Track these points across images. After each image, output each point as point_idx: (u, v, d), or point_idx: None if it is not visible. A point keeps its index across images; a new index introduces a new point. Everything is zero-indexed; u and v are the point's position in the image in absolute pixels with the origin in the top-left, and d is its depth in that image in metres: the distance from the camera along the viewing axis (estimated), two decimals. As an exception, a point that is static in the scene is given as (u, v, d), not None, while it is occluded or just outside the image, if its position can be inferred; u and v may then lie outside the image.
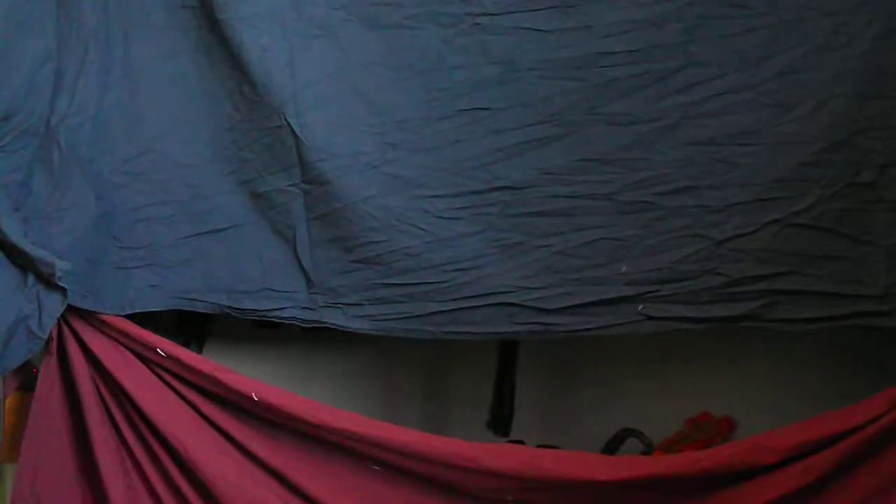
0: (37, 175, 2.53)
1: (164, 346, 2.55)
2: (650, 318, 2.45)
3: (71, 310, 2.52)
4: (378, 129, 2.57)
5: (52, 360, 2.54)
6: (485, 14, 2.52)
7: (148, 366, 2.56)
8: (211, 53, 2.60)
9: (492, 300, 2.52)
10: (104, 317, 2.56)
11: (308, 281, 2.59)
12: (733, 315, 2.43)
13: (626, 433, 3.09)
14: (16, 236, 2.44)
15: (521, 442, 3.11)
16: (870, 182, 2.38)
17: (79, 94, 2.57)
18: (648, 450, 3.05)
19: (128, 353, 2.56)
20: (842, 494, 2.36)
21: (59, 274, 2.45)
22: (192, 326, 2.98)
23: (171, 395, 2.55)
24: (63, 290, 2.48)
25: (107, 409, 2.55)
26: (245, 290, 2.61)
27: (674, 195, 2.46)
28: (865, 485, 2.34)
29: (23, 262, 2.46)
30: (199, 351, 2.97)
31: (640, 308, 2.45)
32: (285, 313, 2.62)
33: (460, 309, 2.53)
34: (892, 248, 2.37)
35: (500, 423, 3.27)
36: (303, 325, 2.64)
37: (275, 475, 2.52)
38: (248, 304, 2.61)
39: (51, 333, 2.50)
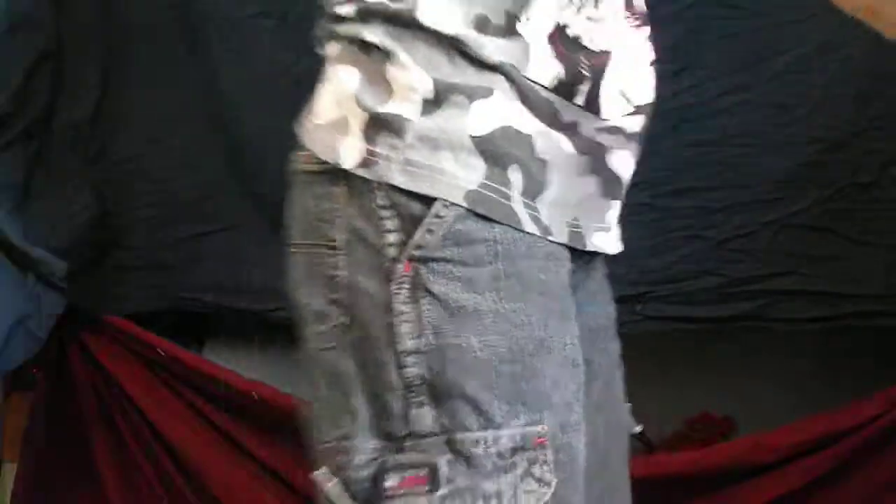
0: (37, 175, 2.53)
1: (164, 346, 2.55)
2: (648, 317, 2.46)
3: (71, 310, 2.52)
4: None
5: (52, 360, 2.54)
6: None
7: (148, 366, 2.56)
8: (213, 51, 2.61)
9: (491, 299, 2.52)
10: (104, 317, 2.56)
11: (308, 281, 2.59)
12: (732, 315, 2.44)
13: (627, 433, 3.08)
14: (16, 236, 2.44)
15: (521, 442, 3.11)
16: (869, 182, 2.38)
17: (79, 94, 2.58)
18: (648, 450, 3.05)
19: (127, 353, 2.56)
20: (842, 494, 2.36)
21: (59, 274, 2.45)
22: (192, 326, 2.98)
23: (171, 396, 2.56)
24: (63, 290, 2.48)
25: (107, 410, 2.55)
26: (246, 290, 2.61)
27: (672, 197, 2.46)
28: (865, 485, 2.34)
29: (23, 262, 2.46)
30: (199, 351, 2.97)
31: (637, 308, 2.45)
32: (285, 313, 2.61)
33: (460, 307, 2.54)
34: (891, 248, 2.37)
35: (501, 423, 3.27)
36: (303, 325, 2.64)
37: (275, 475, 2.52)
38: (248, 305, 2.61)
39: (51, 333, 2.50)
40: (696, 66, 2.45)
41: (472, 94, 1.04)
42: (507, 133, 1.04)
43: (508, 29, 1.05)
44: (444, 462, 1.01)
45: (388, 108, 1.05)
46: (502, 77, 1.04)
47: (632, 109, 1.14)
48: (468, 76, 1.04)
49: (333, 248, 1.07)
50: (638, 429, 1.34)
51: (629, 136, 1.17)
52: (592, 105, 1.10)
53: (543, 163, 1.07)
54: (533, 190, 1.06)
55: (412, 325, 1.03)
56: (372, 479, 1.04)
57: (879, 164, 2.37)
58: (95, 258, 2.57)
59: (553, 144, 1.07)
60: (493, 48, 1.04)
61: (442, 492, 1.01)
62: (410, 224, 1.03)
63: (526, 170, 1.05)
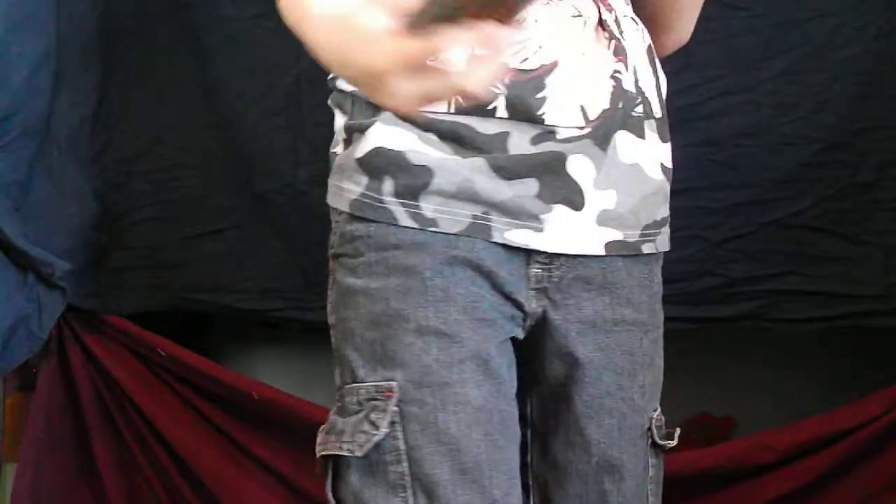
0: (37, 175, 2.52)
1: (165, 346, 2.55)
2: (650, 317, 2.46)
3: (71, 310, 2.52)
4: None
5: (52, 360, 2.54)
6: None
7: (148, 366, 2.56)
8: (212, 52, 2.61)
9: (491, 300, 2.53)
10: (104, 317, 2.56)
11: (307, 281, 2.59)
12: (733, 315, 2.44)
13: (627, 433, 3.07)
14: (16, 236, 2.43)
15: (521, 442, 3.10)
16: (869, 182, 2.37)
17: (79, 93, 2.58)
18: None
19: (128, 353, 2.56)
20: (842, 494, 2.36)
21: (59, 274, 2.44)
22: (192, 326, 2.98)
23: (171, 395, 2.55)
24: (63, 290, 2.48)
25: (107, 410, 2.55)
26: (245, 290, 2.61)
27: (672, 197, 2.45)
28: (865, 485, 2.34)
29: (23, 262, 2.45)
30: (199, 351, 2.97)
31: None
32: (285, 313, 2.62)
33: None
34: (890, 248, 2.37)
35: (501, 423, 3.26)
36: (302, 325, 2.64)
37: (274, 475, 2.52)
38: (248, 305, 2.61)
39: (51, 333, 2.49)
40: (696, 65, 2.44)
41: (363, 128, 1.32)
42: (380, 152, 1.30)
43: None
44: (334, 408, 1.32)
45: (334, 149, 1.39)
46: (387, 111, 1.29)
47: (586, 119, 1.30)
48: (364, 116, 1.33)
49: None
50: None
51: (584, 143, 1.31)
52: (531, 115, 1.28)
53: (424, 168, 1.29)
54: (411, 192, 1.29)
55: (331, 307, 1.36)
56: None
57: (879, 164, 2.37)
58: (95, 258, 2.57)
59: (440, 154, 1.28)
60: None
61: (325, 427, 1.31)
62: (333, 231, 1.37)
63: (399, 178, 1.29)
